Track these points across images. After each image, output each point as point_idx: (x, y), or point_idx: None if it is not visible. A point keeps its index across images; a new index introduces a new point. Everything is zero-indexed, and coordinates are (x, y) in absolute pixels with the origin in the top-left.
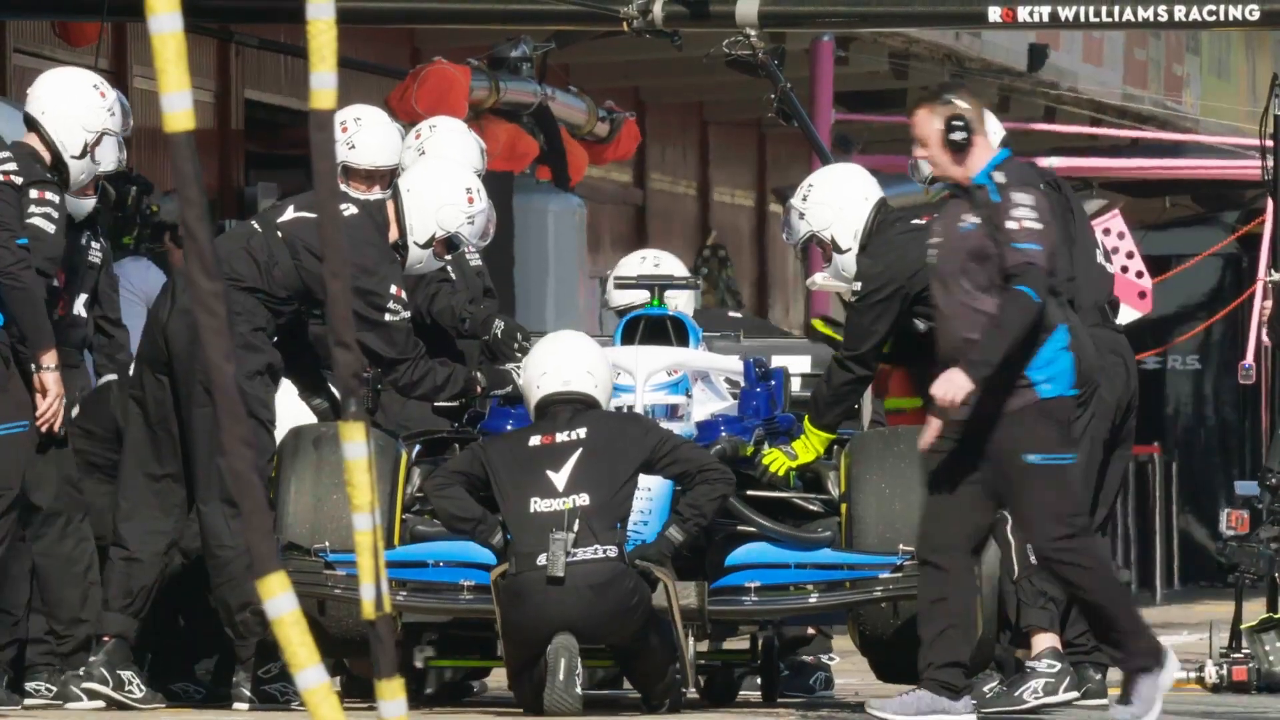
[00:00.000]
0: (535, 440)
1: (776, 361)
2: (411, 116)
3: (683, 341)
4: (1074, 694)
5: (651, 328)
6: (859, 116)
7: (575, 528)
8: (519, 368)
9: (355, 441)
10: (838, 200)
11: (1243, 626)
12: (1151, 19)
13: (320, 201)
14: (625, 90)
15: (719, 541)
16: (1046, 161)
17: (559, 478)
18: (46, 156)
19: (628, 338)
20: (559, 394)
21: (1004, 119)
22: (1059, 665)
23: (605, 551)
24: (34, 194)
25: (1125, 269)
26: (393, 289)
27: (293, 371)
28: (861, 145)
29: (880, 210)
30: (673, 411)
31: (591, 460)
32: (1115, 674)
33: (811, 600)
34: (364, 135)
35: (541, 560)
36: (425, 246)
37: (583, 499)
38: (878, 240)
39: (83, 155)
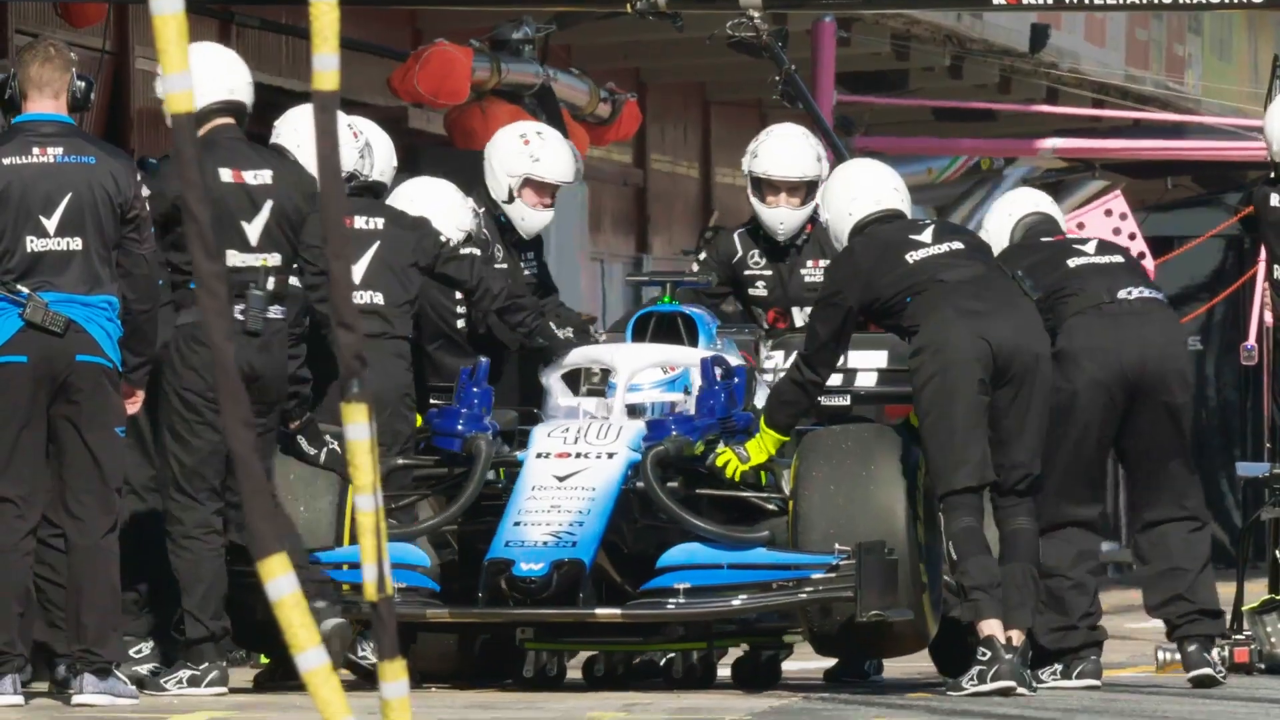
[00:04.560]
0: None
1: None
2: (414, 98)
3: (693, 338)
4: (1006, 683)
5: (662, 324)
6: (861, 98)
7: None
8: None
9: (357, 423)
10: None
11: (1244, 608)
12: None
13: (323, 184)
14: (627, 71)
15: (653, 540)
16: (1048, 143)
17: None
18: None
19: (639, 335)
20: None
21: (1006, 100)
22: (989, 654)
23: None
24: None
25: (1127, 250)
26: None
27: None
28: (864, 127)
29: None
30: (671, 409)
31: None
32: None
33: (736, 603)
34: (549, 151)
35: None
36: None
37: None
38: (848, 245)
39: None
